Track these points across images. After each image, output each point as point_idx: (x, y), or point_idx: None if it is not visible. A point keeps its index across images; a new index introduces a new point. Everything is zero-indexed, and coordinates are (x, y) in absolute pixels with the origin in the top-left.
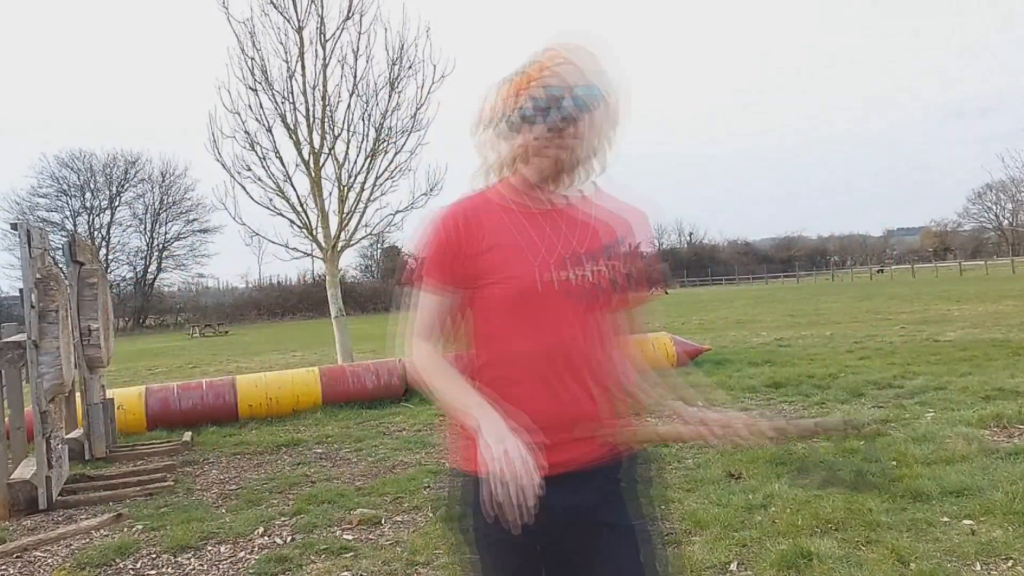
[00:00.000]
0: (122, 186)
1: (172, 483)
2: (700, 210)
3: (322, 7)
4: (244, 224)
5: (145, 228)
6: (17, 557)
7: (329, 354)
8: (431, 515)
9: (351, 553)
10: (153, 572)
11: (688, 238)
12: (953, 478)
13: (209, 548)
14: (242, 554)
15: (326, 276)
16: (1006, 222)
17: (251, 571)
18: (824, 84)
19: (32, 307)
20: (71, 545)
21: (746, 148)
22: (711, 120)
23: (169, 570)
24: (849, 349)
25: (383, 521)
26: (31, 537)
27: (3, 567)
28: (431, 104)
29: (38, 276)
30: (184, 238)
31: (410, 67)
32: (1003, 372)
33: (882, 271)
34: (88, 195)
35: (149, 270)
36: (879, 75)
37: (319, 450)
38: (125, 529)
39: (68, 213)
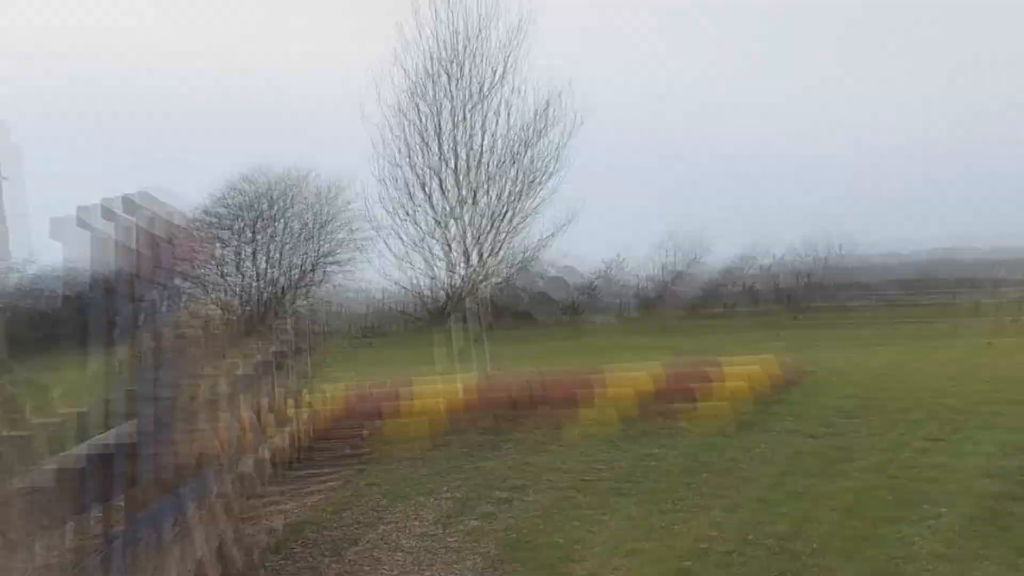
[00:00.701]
0: (290, 202)
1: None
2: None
3: (480, 71)
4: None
5: (302, 245)
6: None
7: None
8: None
9: (493, 515)
10: (361, 528)
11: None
12: None
13: (396, 509)
14: (420, 511)
15: (451, 316)
16: None
17: (429, 524)
18: None
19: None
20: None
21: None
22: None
23: (373, 524)
24: (949, 377)
25: (513, 500)
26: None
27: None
28: (569, 148)
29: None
30: (341, 252)
31: (553, 120)
32: None
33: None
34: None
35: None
36: None
37: (463, 450)
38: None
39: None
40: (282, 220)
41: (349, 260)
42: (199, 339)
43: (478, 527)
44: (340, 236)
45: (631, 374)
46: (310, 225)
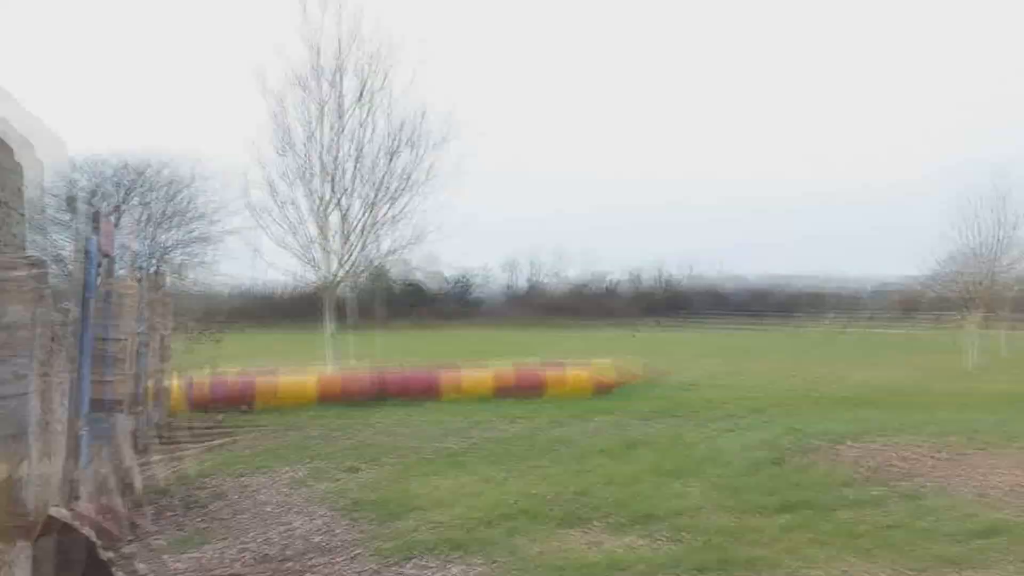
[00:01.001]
0: (129, 192)
1: (220, 443)
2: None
3: (341, 90)
4: (262, 258)
5: (146, 235)
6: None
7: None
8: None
9: (341, 481)
10: (224, 486)
11: (667, 280)
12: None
13: (255, 476)
14: (275, 478)
15: (324, 302)
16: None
17: (284, 487)
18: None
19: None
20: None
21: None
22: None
23: (234, 485)
24: (736, 393)
25: (361, 469)
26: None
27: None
28: (425, 168)
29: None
30: (185, 246)
31: (408, 141)
32: (813, 415)
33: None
34: (96, 199)
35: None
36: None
37: (317, 433)
38: (199, 463)
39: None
40: (127, 208)
41: (207, 251)
42: (130, 304)
43: (332, 488)
44: (193, 228)
45: (479, 371)
46: (161, 213)
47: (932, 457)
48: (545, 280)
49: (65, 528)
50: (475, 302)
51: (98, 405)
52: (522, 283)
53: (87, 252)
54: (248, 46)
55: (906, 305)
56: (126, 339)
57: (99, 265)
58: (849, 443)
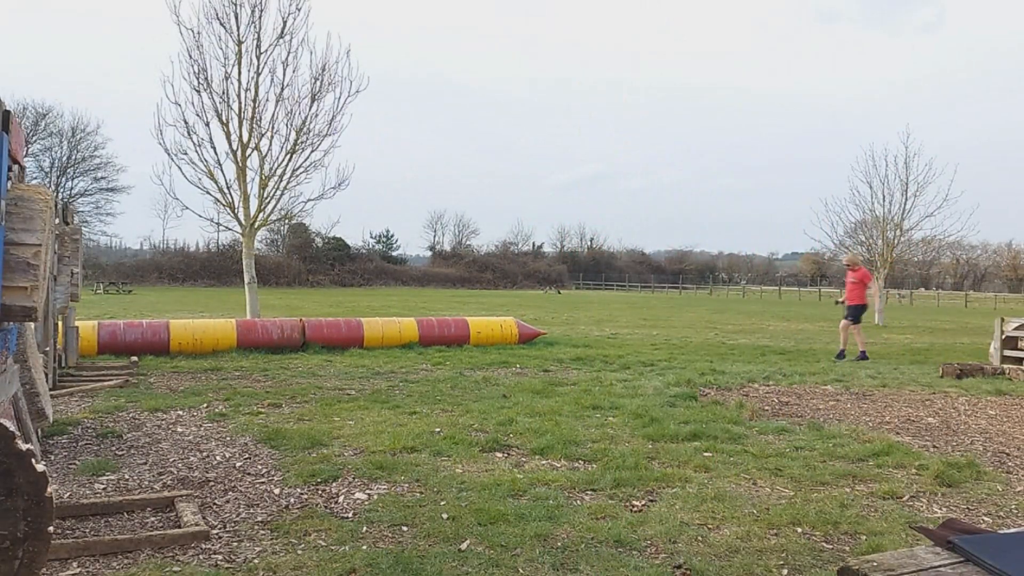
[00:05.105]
0: (30, 137)
1: (135, 382)
2: (600, 218)
3: (259, 26)
4: (177, 199)
5: (50, 182)
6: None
7: (237, 316)
8: (315, 404)
9: (262, 416)
10: (141, 419)
11: (589, 243)
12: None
13: (173, 411)
14: (194, 413)
15: (243, 249)
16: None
17: (204, 420)
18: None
19: (55, 252)
20: (85, 401)
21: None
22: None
23: (151, 418)
24: (653, 343)
25: (283, 405)
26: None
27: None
28: (345, 114)
29: (57, 232)
30: (90, 195)
31: (330, 83)
32: (724, 362)
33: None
34: None
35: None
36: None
37: (237, 374)
38: (113, 399)
39: None
40: (28, 155)
41: (115, 200)
42: (43, 209)
43: (253, 421)
44: (101, 175)
45: (404, 319)
46: (65, 160)
47: (836, 396)
48: (470, 240)
49: None
50: (399, 259)
51: (8, 312)
52: (447, 242)
53: None
54: None
55: (817, 270)
56: (40, 244)
57: (9, 169)
58: (759, 384)
